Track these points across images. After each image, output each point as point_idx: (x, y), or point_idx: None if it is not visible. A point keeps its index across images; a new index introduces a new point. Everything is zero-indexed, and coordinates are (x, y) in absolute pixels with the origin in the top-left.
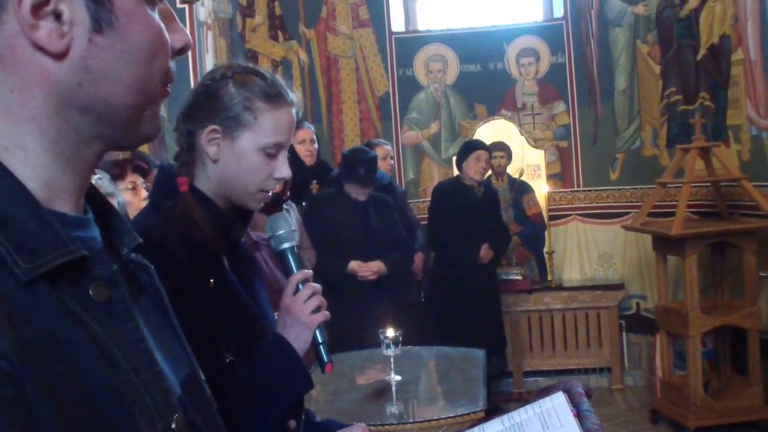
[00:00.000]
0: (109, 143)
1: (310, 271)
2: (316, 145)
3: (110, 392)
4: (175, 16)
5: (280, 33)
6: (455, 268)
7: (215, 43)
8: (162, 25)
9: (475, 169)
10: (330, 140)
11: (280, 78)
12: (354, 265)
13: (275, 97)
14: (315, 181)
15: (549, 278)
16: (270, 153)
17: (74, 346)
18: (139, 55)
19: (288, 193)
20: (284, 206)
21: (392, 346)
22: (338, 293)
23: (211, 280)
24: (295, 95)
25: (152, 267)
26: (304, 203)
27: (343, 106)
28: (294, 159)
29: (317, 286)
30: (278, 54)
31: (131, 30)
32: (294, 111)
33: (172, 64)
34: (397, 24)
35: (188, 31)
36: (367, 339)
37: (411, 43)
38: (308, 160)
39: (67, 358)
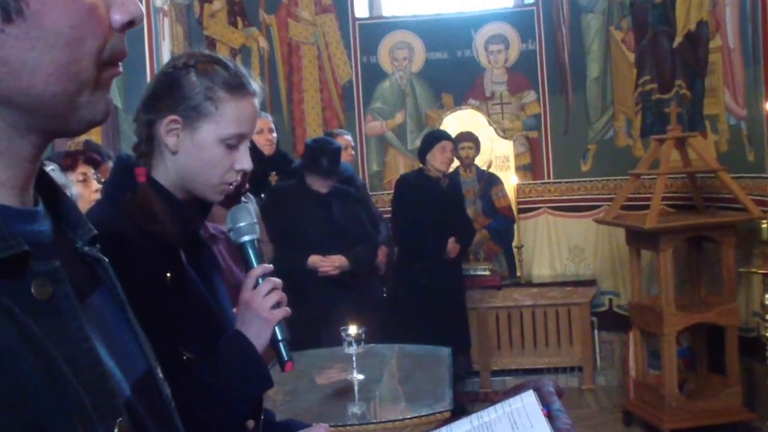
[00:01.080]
0: (47, 133)
1: (271, 265)
2: (274, 134)
3: (46, 396)
4: None
5: (239, 19)
6: (420, 262)
7: (172, 30)
8: (93, 2)
9: (440, 160)
10: (291, 130)
11: (243, 68)
12: (315, 259)
13: (238, 87)
14: (274, 172)
15: (518, 274)
16: (231, 144)
17: (7, 349)
18: (58, 40)
19: (247, 185)
20: (243, 198)
21: (354, 344)
22: (298, 289)
23: (168, 274)
24: (257, 86)
25: (107, 260)
26: (263, 195)
27: (305, 95)
28: (252, 149)
29: (277, 281)
30: (237, 41)
31: (47, 15)
32: (257, 101)
33: (119, 40)
34: (361, 10)
35: (146, 21)
36: (328, 336)
37: (375, 30)
38: (267, 150)
39: (1, 362)
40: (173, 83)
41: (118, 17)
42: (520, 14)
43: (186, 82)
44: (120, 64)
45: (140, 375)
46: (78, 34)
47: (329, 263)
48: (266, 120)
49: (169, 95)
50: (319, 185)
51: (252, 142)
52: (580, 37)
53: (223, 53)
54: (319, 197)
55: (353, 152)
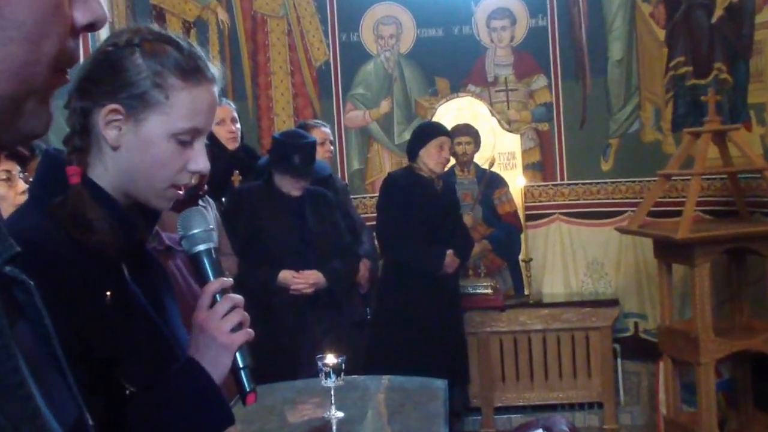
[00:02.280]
0: None
1: (230, 279)
2: (238, 126)
3: None
4: None
5: None
6: (410, 278)
7: None
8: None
9: (436, 160)
10: (256, 120)
11: (199, 48)
12: (286, 275)
13: (192, 71)
14: (237, 171)
15: (526, 292)
16: (184, 140)
17: None
18: (18, 33)
19: (205, 187)
20: (200, 202)
21: (333, 376)
22: (266, 310)
23: (108, 294)
24: (217, 70)
25: (32, 283)
26: (224, 199)
27: (273, 79)
28: (212, 143)
29: (238, 297)
30: (191, 13)
31: (9, 2)
32: (215, 89)
33: (74, 44)
34: None
35: None
36: (301, 367)
37: (357, 1)
38: (230, 145)
39: None
40: (114, 65)
41: (79, 16)
42: None
43: (130, 64)
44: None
45: (72, 423)
46: (40, 30)
47: (302, 280)
48: (228, 108)
49: (109, 79)
50: (291, 187)
51: (211, 135)
52: (600, 11)
53: (173, 27)
54: (290, 201)
55: (332, 147)
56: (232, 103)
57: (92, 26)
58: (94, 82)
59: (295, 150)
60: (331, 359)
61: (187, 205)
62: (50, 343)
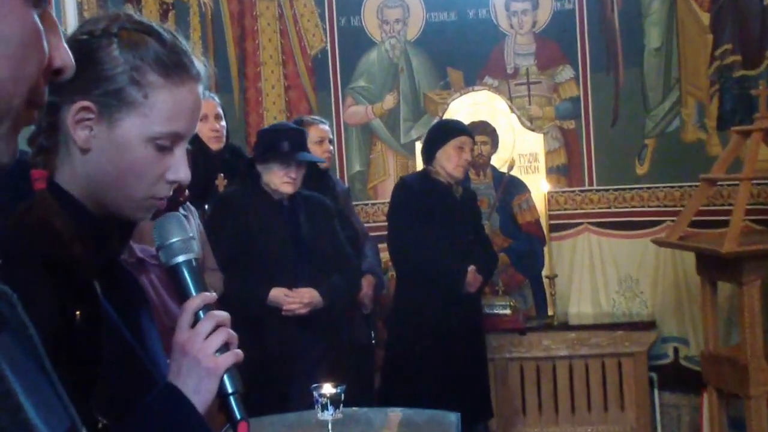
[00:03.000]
0: None
1: (213, 294)
2: (223, 123)
3: None
4: (61, 32)
5: None
6: (426, 298)
7: None
8: (41, 28)
9: (456, 163)
10: (243, 117)
11: (183, 41)
12: (277, 293)
13: (175, 68)
14: (222, 174)
15: (550, 312)
16: (163, 146)
17: None
18: (6, 49)
19: (186, 193)
20: (181, 210)
21: (330, 408)
22: (255, 333)
23: (77, 313)
24: (203, 66)
25: (14, 295)
26: (207, 206)
27: (262, 69)
28: (195, 143)
29: (224, 314)
30: None
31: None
32: (200, 89)
33: (44, 87)
34: None
35: None
36: (294, 397)
37: None
38: (213, 144)
39: None
40: (88, 56)
41: (57, 63)
42: None
43: (105, 56)
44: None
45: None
46: (25, 51)
47: (296, 298)
48: (212, 103)
49: (81, 72)
50: (280, 181)
51: (193, 134)
52: None
53: (149, 9)
54: (281, 208)
55: (331, 147)
56: (216, 97)
57: (60, 72)
58: None
59: (282, 136)
60: (328, 389)
61: (166, 213)
62: (37, 355)
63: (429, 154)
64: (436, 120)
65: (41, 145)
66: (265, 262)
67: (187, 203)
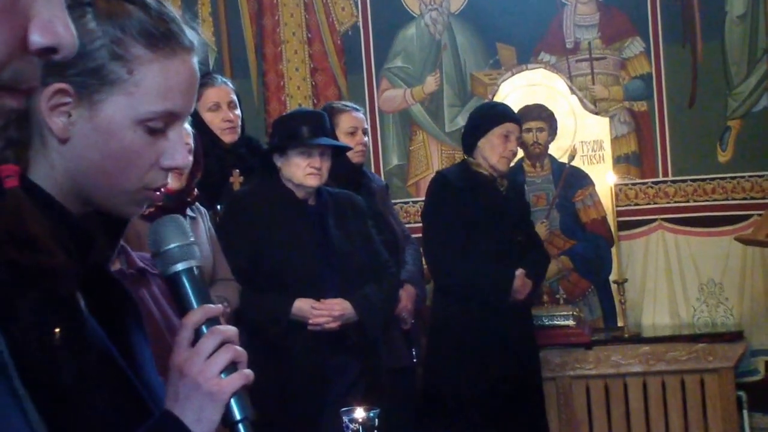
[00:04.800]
0: None
1: (218, 306)
2: (238, 112)
3: None
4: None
5: None
6: (469, 308)
7: None
8: None
9: (500, 153)
10: (262, 104)
11: (170, 6)
12: (303, 305)
13: (164, 38)
14: (237, 171)
15: (620, 323)
16: (155, 128)
17: None
18: None
19: (195, 192)
20: (189, 212)
21: None
22: (277, 351)
23: (56, 330)
24: (196, 33)
25: None
26: (220, 206)
27: (284, 49)
28: (205, 135)
29: (229, 329)
30: None
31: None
32: (194, 60)
33: (29, 65)
34: None
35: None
36: (325, 425)
37: None
38: (227, 137)
39: None
40: None
41: (36, 38)
42: None
43: (79, 30)
44: (21, 99)
45: None
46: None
47: (325, 311)
48: (225, 89)
49: None
50: (303, 174)
51: (203, 125)
52: None
53: None
54: (305, 207)
55: (365, 138)
56: (229, 83)
57: (51, 51)
58: None
59: (301, 121)
60: (359, 413)
61: (172, 213)
62: (7, 377)
63: (470, 144)
64: (481, 103)
65: (11, 137)
66: (287, 271)
67: (197, 204)
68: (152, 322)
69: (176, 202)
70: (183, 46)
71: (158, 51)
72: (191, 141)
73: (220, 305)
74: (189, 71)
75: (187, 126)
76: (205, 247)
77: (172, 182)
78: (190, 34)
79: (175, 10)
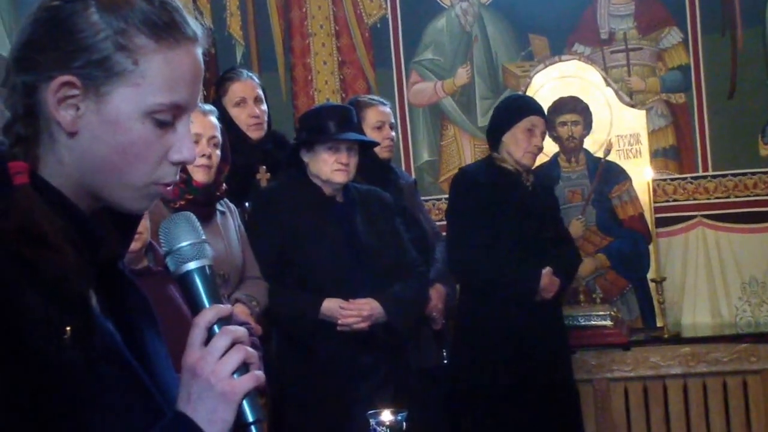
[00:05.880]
0: None
1: (229, 306)
2: (264, 107)
3: None
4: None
5: None
6: (496, 308)
7: None
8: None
9: (525, 148)
10: (290, 99)
11: None
12: (331, 305)
13: (167, 28)
14: (264, 167)
15: (659, 323)
16: (163, 120)
17: None
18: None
19: (223, 187)
20: (219, 206)
21: None
22: (306, 351)
23: (67, 329)
24: (199, 24)
25: None
26: (248, 203)
27: (312, 42)
28: (231, 131)
29: (240, 330)
30: None
31: None
32: (198, 51)
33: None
34: None
35: None
36: (352, 426)
37: None
38: (253, 133)
39: None
40: (63, 24)
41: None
42: None
43: (83, 22)
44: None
45: None
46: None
47: (354, 311)
48: (251, 83)
49: (57, 44)
50: (330, 169)
51: (231, 121)
52: None
53: None
54: (333, 204)
55: (392, 133)
56: (255, 77)
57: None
58: (38, 48)
59: (327, 115)
60: (386, 416)
61: (201, 210)
62: None
63: (494, 139)
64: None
65: (19, 133)
66: (314, 269)
67: (225, 200)
68: (180, 319)
69: (206, 196)
70: (187, 36)
71: (162, 41)
72: (218, 135)
73: (230, 305)
74: (193, 62)
75: (215, 120)
76: (234, 244)
77: (201, 176)
78: (193, 24)
79: (178, 0)
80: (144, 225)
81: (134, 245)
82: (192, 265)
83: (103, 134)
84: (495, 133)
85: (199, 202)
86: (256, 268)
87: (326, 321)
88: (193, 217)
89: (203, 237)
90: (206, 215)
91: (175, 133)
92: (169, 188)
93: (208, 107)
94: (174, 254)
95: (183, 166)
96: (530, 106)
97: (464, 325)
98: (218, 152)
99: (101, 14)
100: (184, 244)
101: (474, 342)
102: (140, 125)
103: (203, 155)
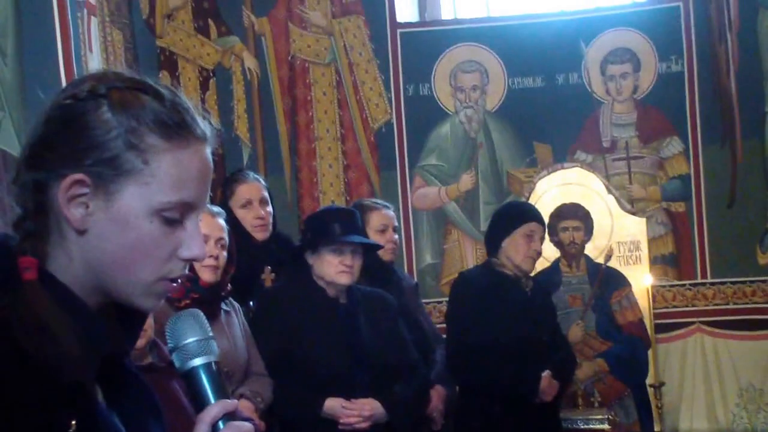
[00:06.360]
0: None
1: (235, 401)
2: (269, 209)
3: None
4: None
5: (212, 23)
6: (495, 410)
7: (104, 36)
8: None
9: (524, 253)
10: (296, 201)
11: (184, 97)
12: (334, 404)
13: (178, 128)
14: (269, 268)
15: (657, 428)
16: (171, 219)
17: None
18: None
19: (228, 287)
20: (224, 305)
21: None
22: None
23: (72, 423)
24: (209, 124)
25: None
26: (252, 303)
27: (318, 146)
28: (237, 232)
29: (246, 426)
30: (210, 58)
31: None
32: (207, 151)
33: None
34: (406, 11)
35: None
36: None
37: (428, 42)
38: (258, 234)
39: None
40: (75, 123)
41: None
42: (657, 16)
43: (95, 120)
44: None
45: None
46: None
47: (356, 410)
48: (257, 185)
49: (68, 142)
50: (335, 271)
51: (236, 222)
52: (755, 49)
53: (188, 77)
54: (336, 305)
55: (396, 236)
56: (261, 179)
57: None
58: (49, 146)
59: (332, 218)
60: None
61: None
62: None
63: (493, 244)
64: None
65: (29, 229)
66: (317, 368)
67: (230, 299)
68: (183, 415)
69: (211, 295)
70: (196, 136)
71: (172, 141)
72: (226, 236)
73: (235, 400)
74: (203, 161)
75: (223, 222)
76: (239, 342)
77: (208, 276)
78: (203, 124)
79: (188, 101)
80: (148, 322)
81: (139, 342)
82: (198, 361)
83: (111, 232)
84: (494, 238)
85: (205, 301)
86: (260, 365)
87: (327, 420)
88: (201, 314)
89: (210, 334)
90: (211, 314)
91: (184, 231)
92: (175, 284)
93: (217, 209)
94: (180, 350)
95: (190, 265)
96: (530, 213)
97: (464, 426)
98: (225, 253)
99: (113, 113)
100: (190, 340)
101: None
102: (148, 223)
103: (211, 256)
